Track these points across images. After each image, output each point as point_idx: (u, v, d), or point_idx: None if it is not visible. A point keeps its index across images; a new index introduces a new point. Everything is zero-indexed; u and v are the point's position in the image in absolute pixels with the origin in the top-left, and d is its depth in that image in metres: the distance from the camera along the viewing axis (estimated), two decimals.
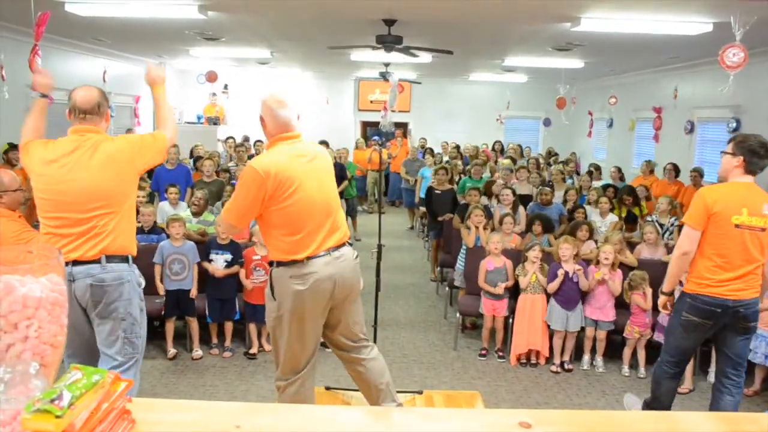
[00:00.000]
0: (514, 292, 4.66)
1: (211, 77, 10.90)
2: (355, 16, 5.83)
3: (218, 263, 4.52)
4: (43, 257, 1.05)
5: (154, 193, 6.34)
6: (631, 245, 5.06)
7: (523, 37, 6.71)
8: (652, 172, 7.91)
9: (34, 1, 4.01)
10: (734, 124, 7.39)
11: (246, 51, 8.89)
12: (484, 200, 6.39)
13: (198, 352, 4.50)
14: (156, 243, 4.65)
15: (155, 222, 4.96)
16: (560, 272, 4.44)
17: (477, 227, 5.22)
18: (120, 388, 1.07)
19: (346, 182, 7.96)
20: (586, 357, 4.51)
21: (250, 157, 9.04)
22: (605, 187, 6.83)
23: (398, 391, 3.14)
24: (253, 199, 2.52)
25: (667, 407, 3.34)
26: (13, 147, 6.36)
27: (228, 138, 10.11)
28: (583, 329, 4.50)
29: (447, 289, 5.74)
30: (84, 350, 2.66)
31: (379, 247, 4.01)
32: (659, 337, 4.37)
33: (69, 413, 0.92)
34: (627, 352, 4.46)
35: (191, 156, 8.71)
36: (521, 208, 5.97)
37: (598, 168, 8.50)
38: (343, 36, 7.04)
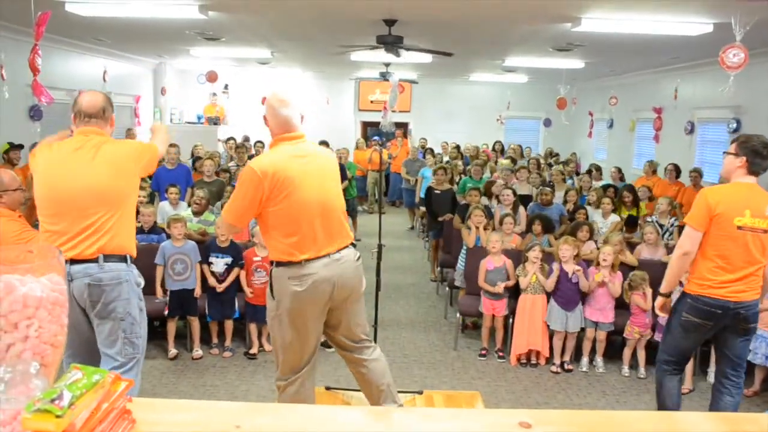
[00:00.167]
0: (514, 292, 4.66)
1: (212, 77, 10.90)
2: (356, 16, 5.84)
3: (218, 266, 4.51)
4: (44, 257, 1.05)
5: (155, 193, 6.34)
6: (631, 246, 5.06)
7: (523, 37, 6.71)
8: (654, 172, 7.91)
9: (34, 1, 4.01)
10: (734, 125, 7.39)
11: (246, 51, 8.89)
12: (485, 200, 6.39)
13: (198, 352, 4.50)
14: (156, 243, 4.65)
15: (155, 222, 4.96)
16: (555, 266, 4.46)
17: (477, 227, 5.22)
18: (120, 388, 1.07)
19: (346, 182, 7.96)
20: (585, 358, 4.51)
21: (250, 157, 9.04)
22: (605, 187, 6.84)
23: (398, 391, 3.14)
24: (251, 198, 2.53)
25: (676, 410, 3.31)
26: (13, 147, 6.36)
27: (229, 139, 10.11)
28: (582, 330, 4.50)
29: (447, 289, 5.74)
30: (84, 351, 2.65)
31: (380, 247, 4.01)
32: (659, 338, 4.37)
33: (69, 413, 0.92)
34: (627, 353, 4.46)
35: (191, 156, 8.71)
36: (521, 209, 5.97)
37: (598, 168, 8.50)
38: (343, 36, 7.04)
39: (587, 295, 4.49)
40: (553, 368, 4.45)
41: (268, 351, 4.57)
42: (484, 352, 4.69)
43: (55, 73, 7.52)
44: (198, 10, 5.46)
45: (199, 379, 4.17)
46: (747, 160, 2.97)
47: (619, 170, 8.31)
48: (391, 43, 6.14)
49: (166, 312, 4.43)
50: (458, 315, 4.96)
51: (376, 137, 12.65)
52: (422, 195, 7.63)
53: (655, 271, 4.41)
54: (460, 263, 5.38)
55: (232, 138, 10.17)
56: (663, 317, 3.54)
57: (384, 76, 9.99)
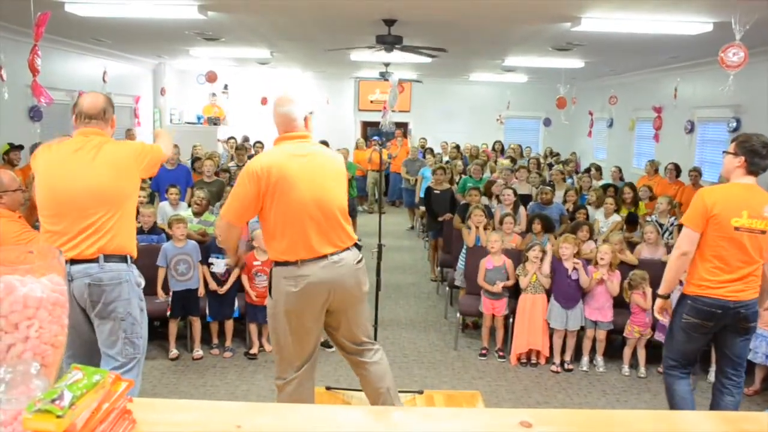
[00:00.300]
0: (514, 291, 4.66)
1: (211, 77, 10.90)
2: (355, 16, 5.83)
3: (219, 267, 4.51)
4: (44, 257, 1.05)
5: (155, 194, 6.34)
6: (632, 245, 5.06)
7: (523, 37, 6.71)
8: (656, 171, 7.92)
9: (33, 1, 4.01)
10: (734, 124, 7.39)
11: (246, 51, 8.89)
12: (484, 200, 6.40)
13: (199, 352, 4.50)
14: (156, 243, 4.64)
15: (155, 222, 4.95)
16: (547, 248, 4.52)
17: (477, 227, 5.22)
18: (121, 388, 1.07)
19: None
20: (586, 358, 4.51)
21: (250, 157, 9.04)
22: (605, 186, 6.84)
23: (399, 391, 3.14)
24: (250, 196, 2.54)
25: None
26: (13, 148, 6.36)
27: (229, 138, 10.12)
28: (582, 329, 4.50)
29: (447, 288, 5.74)
30: (84, 351, 2.66)
31: (380, 247, 4.01)
32: (659, 337, 4.37)
33: (70, 413, 0.92)
34: (627, 352, 4.46)
35: (191, 157, 8.71)
36: (522, 208, 5.97)
37: (598, 168, 8.51)
38: (343, 36, 7.04)
39: (586, 294, 4.49)
40: (554, 368, 4.45)
41: (268, 351, 4.57)
42: (484, 351, 4.69)
43: (54, 73, 7.51)
44: (197, 11, 5.46)
45: (200, 379, 4.17)
46: (745, 160, 2.94)
47: (619, 170, 8.30)
48: (391, 42, 6.14)
49: (168, 313, 4.43)
50: (458, 315, 4.96)
51: (375, 137, 12.66)
52: (422, 195, 7.64)
53: (655, 271, 4.41)
54: (461, 263, 5.38)
55: (232, 137, 10.18)
56: (663, 320, 3.53)
57: (383, 76, 9.99)
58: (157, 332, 4.65)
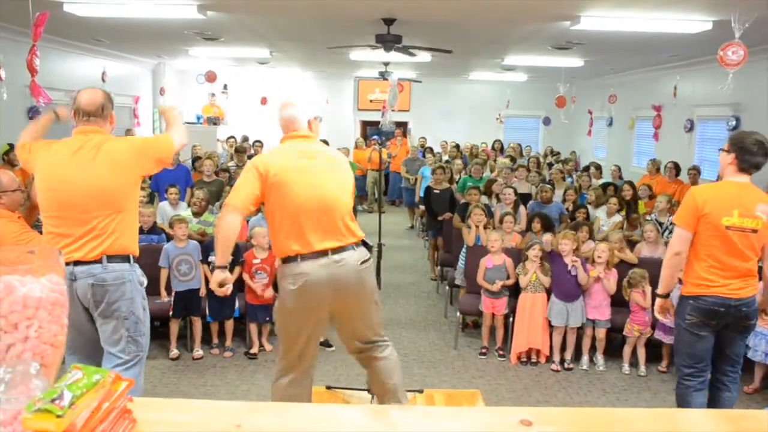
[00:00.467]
0: (514, 291, 4.66)
1: (211, 77, 10.90)
2: (355, 16, 5.83)
3: None
4: (44, 258, 1.05)
5: (154, 194, 6.34)
6: (632, 243, 5.06)
7: (522, 36, 6.70)
8: (658, 170, 7.92)
9: (32, 1, 4.00)
10: (734, 122, 7.39)
11: (245, 51, 8.88)
12: (484, 199, 6.40)
13: (199, 351, 4.50)
14: (156, 243, 4.64)
15: (155, 222, 4.95)
16: (545, 238, 4.57)
17: (477, 226, 5.22)
18: (121, 388, 1.07)
19: None
20: (586, 357, 4.51)
21: (250, 157, 9.04)
22: (605, 185, 6.85)
23: None
24: (253, 183, 2.57)
25: None
26: (13, 148, 6.35)
27: (229, 138, 10.11)
28: (581, 328, 4.50)
29: (447, 288, 5.74)
30: (87, 350, 2.67)
31: (380, 246, 4.02)
32: (659, 336, 4.38)
33: (70, 413, 0.92)
34: (627, 351, 4.46)
35: (191, 156, 8.71)
36: (522, 207, 5.97)
37: (598, 167, 8.51)
38: (342, 35, 7.04)
39: (584, 293, 4.49)
40: (554, 366, 4.45)
41: (268, 351, 4.58)
42: (484, 350, 4.69)
43: (53, 73, 7.50)
44: (196, 10, 5.45)
45: (200, 378, 4.18)
46: (736, 157, 2.91)
47: (619, 169, 8.30)
48: (390, 42, 6.13)
49: (170, 313, 4.42)
50: (458, 314, 4.96)
51: (375, 136, 12.65)
52: (422, 194, 7.64)
53: (655, 269, 4.39)
54: (461, 262, 5.38)
55: (232, 137, 10.18)
56: (663, 320, 3.51)
57: (383, 76, 9.99)
58: (157, 332, 4.64)
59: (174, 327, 4.50)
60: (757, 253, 2.96)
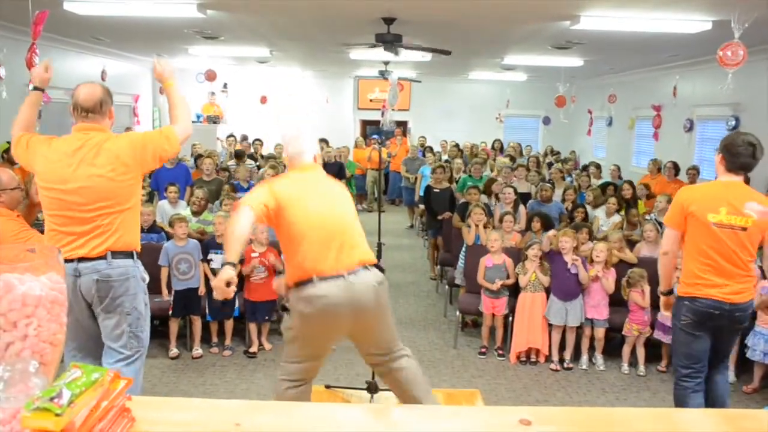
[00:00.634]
0: (514, 290, 4.66)
1: (210, 76, 10.89)
2: (355, 15, 5.83)
3: (218, 263, 4.51)
4: (43, 256, 1.05)
5: (154, 192, 6.34)
6: (632, 243, 5.07)
7: (522, 35, 6.70)
8: (659, 170, 7.93)
9: None
10: (733, 122, 7.39)
11: (245, 50, 8.88)
12: (484, 198, 6.40)
13: (198, 350, 4.49)
14: (156, 242, 4.64)
15: (155, 221, 4.95)
16: (545, 236, 4.55)
17: (477, 225, 5.22)
18: (119, 387, 1.07)
19: (344, 181, 7.97)
20: (585, 356, 4.51)
21: (250, 156, 9.04)
22: (605, 185, 6.85)
23: None
24: (266, 194, 2.54)
25: None
26: None
27: (229, 136, 10.11)
28: (580, 327, 4.50)
29: (447, 287, 5.74)
30: (90, 344, 2.69)
31: (379, 245, 4.00)
32: (658, 335, 4.38)
33: (69, 411, 0.92)
34: (626, 350, 4.46)
35: (192, 155, 8.71)
36: (521, 207, 5.97)
37: (598, 166, 8.50)
38: (342, 35, 7.03)
39: (584, 291, 4.49)
40: (553, 366, 4.45)
41: (267, 350, 4.58)
42: (483, 350, 4.69)
43: (53, 72, 7.49)
44: (196, 9, 5.45)
45: (199, 377, 4.17)
46: (723, 157, 2.95)
47: (618, 168, 8.31)
48: (390, 41, 6.13)
49: (170, 312, 4.42)
50: (458, 313, 4.96)
51: (375, 136, 12.65)
52: (421, 193, 7.64)
53: (654, 269, 4.39)
54: (461, 261, 5.38)
55: (231, 136, 10.18)
56: (666, 316, 3.52)
57: (383, 75, 9.98)
58: (157, 331, 4.64)
59: (173, 326, 4.50)
60: (751, 253, 2.94)
